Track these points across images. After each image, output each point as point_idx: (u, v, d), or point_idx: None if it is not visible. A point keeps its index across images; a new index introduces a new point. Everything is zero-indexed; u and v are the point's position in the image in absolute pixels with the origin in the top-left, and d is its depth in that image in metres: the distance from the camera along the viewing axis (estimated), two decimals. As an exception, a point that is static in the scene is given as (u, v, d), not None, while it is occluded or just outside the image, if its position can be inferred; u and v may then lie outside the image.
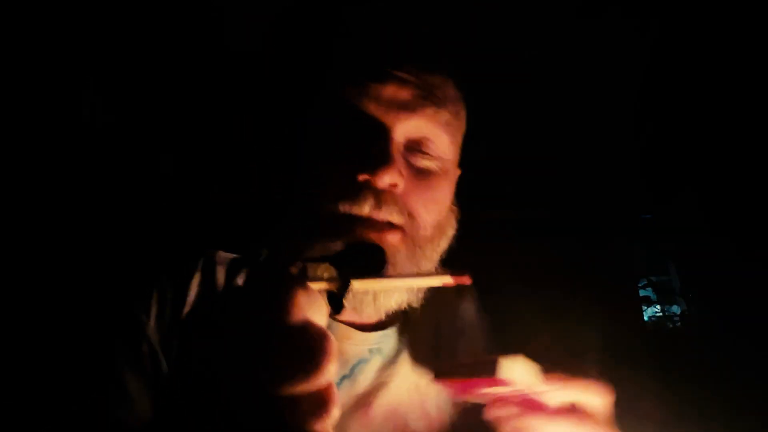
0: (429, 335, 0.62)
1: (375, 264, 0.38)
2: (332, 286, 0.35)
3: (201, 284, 0.56)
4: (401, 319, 0.61)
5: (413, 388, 0.58)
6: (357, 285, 0.35)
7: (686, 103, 1.08)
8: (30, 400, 0.53)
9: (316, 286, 0.33)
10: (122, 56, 0.92)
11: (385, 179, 0.49)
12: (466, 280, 0.41)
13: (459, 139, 0.59)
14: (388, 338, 0.59)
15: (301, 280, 0.30)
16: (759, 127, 1.00)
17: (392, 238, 0.51)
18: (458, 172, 0.60)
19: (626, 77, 1.04)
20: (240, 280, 0.58)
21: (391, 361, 0.58)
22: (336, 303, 0.34)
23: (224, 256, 0.60)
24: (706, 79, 1.03)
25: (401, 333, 0.61)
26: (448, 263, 0.57)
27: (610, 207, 1.26)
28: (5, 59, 0.84)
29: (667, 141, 1.16)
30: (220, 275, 0.57)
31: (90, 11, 0.85)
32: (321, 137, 0.54)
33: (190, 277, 0.56)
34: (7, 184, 0.83)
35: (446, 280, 0.40)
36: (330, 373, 0.28)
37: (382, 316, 0.58)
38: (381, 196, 0.50)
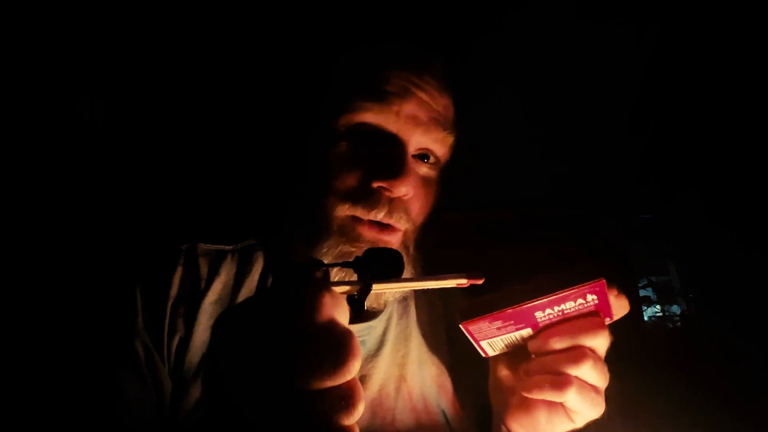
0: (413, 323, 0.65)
1: (393, 268, 0.40)
2: (353, 290, 0.36)
3: (183, 277, 0.57)
4: (383, 311, 0.63)
5: (398, 380, 0.59)
6: (377, 288, 0.37)
7: (687, 102, 1.08)
8: (24, 407, 0.52)
9: (339, 289, 0.34)
10: (121, 56, 0.92)
11: (402, 189, 0.53)
12: (479, 281, 0.42)
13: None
14: (372, 330, 0.61)
15: (326, 284, 0.31)
16: (760, 127, 1.00)
17: (393, 239, 0.54)
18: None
19: (626, 75, 1.04)
20: (224, 271, 0.59)
21: (374, 354, 0.59)
22: (357, 307, 0.35)
23: (205, 248, 0.61)
24: (707, 78, 1.03)
25: (384, 326, 0.62)
26: (446, 263, 0.58)
27: (610, 207, 1.26)
28: (5, 59, 0.84)
29: (667, 140, 1.16)
30: (203, 267, 0.58)
31: (89, 10, 0.85)
32: (336, 143, 0.56)
33: (172, 272, 0.57)
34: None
35: (461, 280, 0.41)
36: (355, 369, 0.30)
37: (382, 308, 0.61)
38: (393, 204, 0.53)
